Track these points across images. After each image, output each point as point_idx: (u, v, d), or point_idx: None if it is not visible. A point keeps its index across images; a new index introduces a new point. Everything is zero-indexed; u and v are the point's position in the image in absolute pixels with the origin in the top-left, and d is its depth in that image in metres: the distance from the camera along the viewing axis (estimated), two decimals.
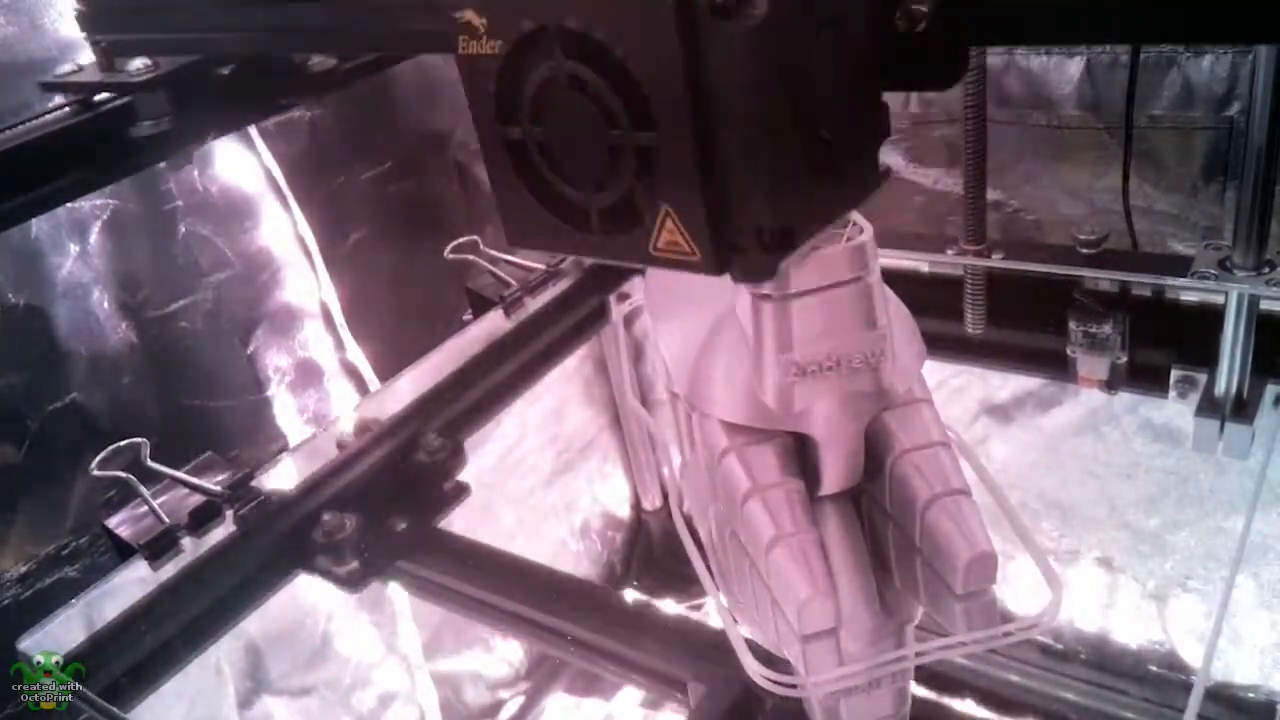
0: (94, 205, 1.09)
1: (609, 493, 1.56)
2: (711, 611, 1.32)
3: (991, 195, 1.20)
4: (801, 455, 0.47)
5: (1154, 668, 1.31)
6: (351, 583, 0.91)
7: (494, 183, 0.41)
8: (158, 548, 0.86)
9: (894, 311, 0.45)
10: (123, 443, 0.88)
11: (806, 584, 0.44)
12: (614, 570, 1.59)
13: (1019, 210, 1.42)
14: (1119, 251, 1.06)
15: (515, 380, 1.17)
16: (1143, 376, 1.07)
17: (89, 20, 0.77)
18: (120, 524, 0.88)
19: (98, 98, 0.79)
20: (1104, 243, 1.03)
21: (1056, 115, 1.33)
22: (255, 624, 1.04)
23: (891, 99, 0.40)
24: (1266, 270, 0.93)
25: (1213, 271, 0.95)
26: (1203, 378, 1.01)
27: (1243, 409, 0.98)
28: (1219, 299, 0.96)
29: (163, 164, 0.88)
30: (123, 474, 0.86)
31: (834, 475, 0.47)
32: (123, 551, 0.87)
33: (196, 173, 1.18)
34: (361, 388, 1.36)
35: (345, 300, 1.34)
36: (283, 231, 1.27)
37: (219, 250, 1.21)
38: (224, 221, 1.22)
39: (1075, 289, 1.06)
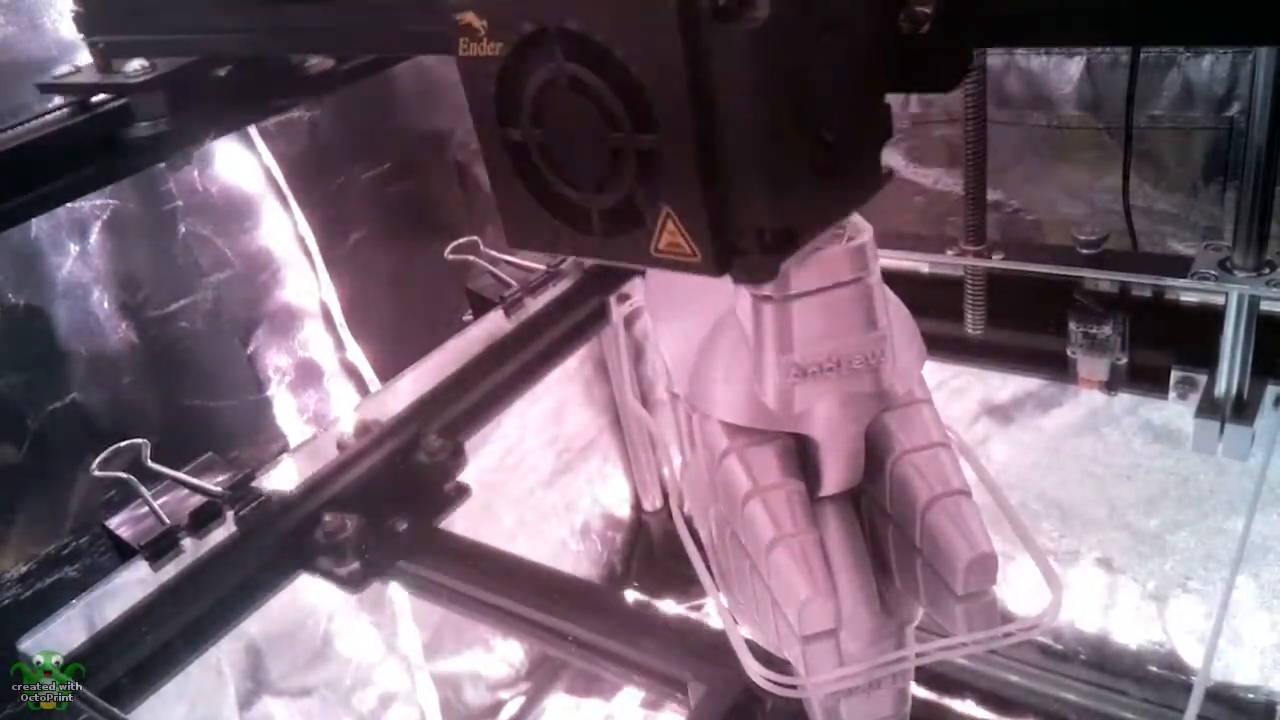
0: (94, 205, 1.09)
1: (609, 493, 1.56)
2: (712, 612, 1.32)
3: (991, 195, 1.20)
4: (802, 456, 0.47)
5: (1154, 668, 1.31)
6: (353, 583, 0.91)
7: (494, 184, 0.41)
8: (158, 548, 0.86)
9: (894, 312, 0.45)
10: (123, 443, 0.88)
11: (806, 585, 0.44)
12: (614, 571, 1.59)
13: (1019, 210, 1.42)
14: (1119, 252, 1.06)
15: (515, 381, 1.17)
16: (1143, 377, 1.07)
17: (86, 21, 0.77)
18: (121, 525, 0.88)
19: (95, 99, 0.79)
20: (1104, 243, 1.03)
21: (1056, 115, 1.33)
22: (256, 624, 1.04)
23: (891, 99, 0.40)
24: (1266, 271, 0.93)
25: (1213, 272, 0.95)
26: (1203, 379, 1.01)
27: (1243, 410, 0.98)
28: (1219, 300, 0.96)
29: (161, 165, 0.88)
30: (123, 474, 0.86)
31: (834, 476, 0.47)
32: (123, 552, 0.87)
33: (196, 173, 1.18)
34: (361, 388, 1.36)
35: (345, 300, 1.34)
36: (283, 231, 1.28)
37: (219, 250, 1.21)
38: (224, 221, 1.22)
39: (1075, 289, 1.06)
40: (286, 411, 1.29)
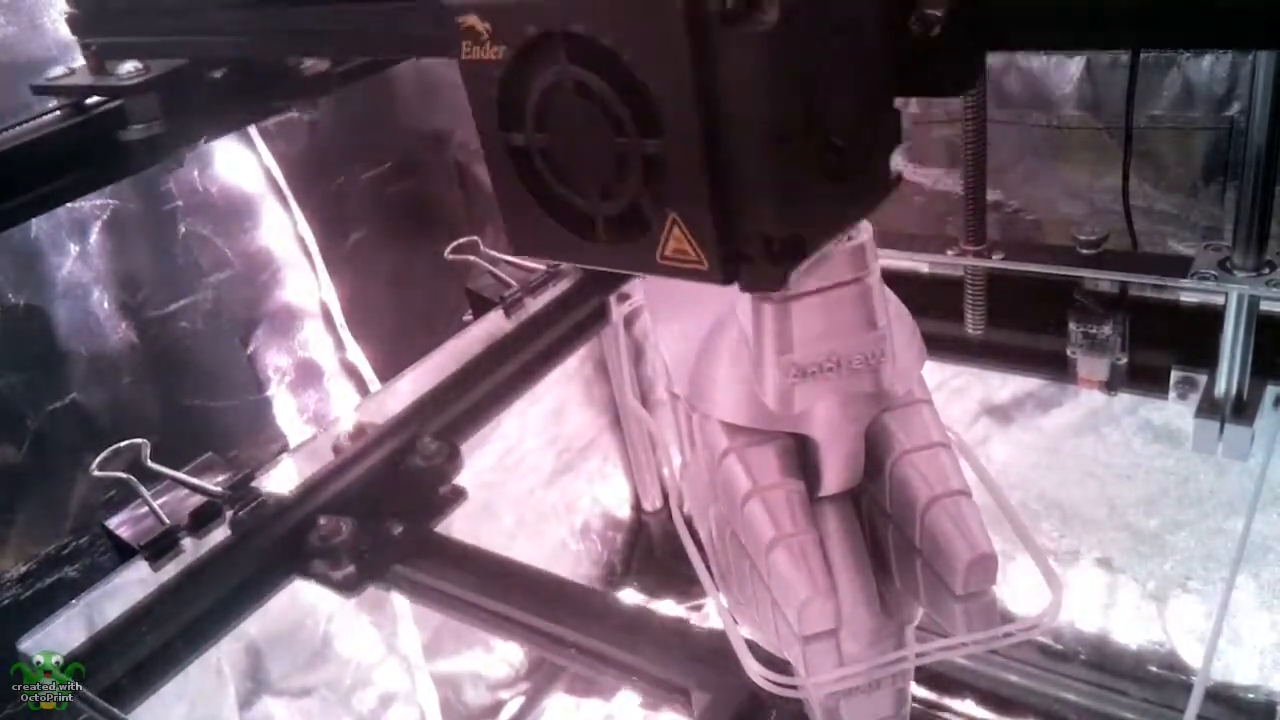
0: (94, 205, 1.09)
1: (609, 493, 1.56)
2: (712, 613, 1.33)
3: (991, 195, 1.20)
4: (802, 456, 0.47)
5: (1154, 668, 1.31)
6: (347, 587, 0.91)
7: (496, 190, 0.41)
8: (158, 548, 0.86)
9: (894, 312, 0.45)
10: (123, 443, 0.88)
11: (806, 585, 0.44)
12: (614, 571, 1.59)
13: (1019, 210, 1.42)
14: (1119, 252, 1.06)
15: (516, 381, 1.17)
16: (1143, 377, 1.07)
17: (79, 23, 0.77)
18: (120, 525, 0.88)
19: (89, 101, 0.78)
20: (1104, 243, 1.03)
21: (1056, 115, 1.33)
22: (256, 625, 1.04)
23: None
24: (1266, 271, 0.93)
25: (1213, 272, 0.95)
26: (1203, 379, 1.01)
27: (1242, 410, 0.98)
28: (1219, 300, 0.96)
29: (155, 167, 0.88)
30: (123, 474, 0.86)
31: (834, 476, 0.47)
32: (123, 552, 0.87)
33: (196, 173, 1.18)
34: (361, 388, 1.36)
35: (345, 300, 1.34)
36: (283, 231, 1.28)
37: (219, 250, 1.21)
38: (224, 221, 1.22)
39: (1075, 289, 1.06)
40: (286, 411, 1.29)
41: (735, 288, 0.44)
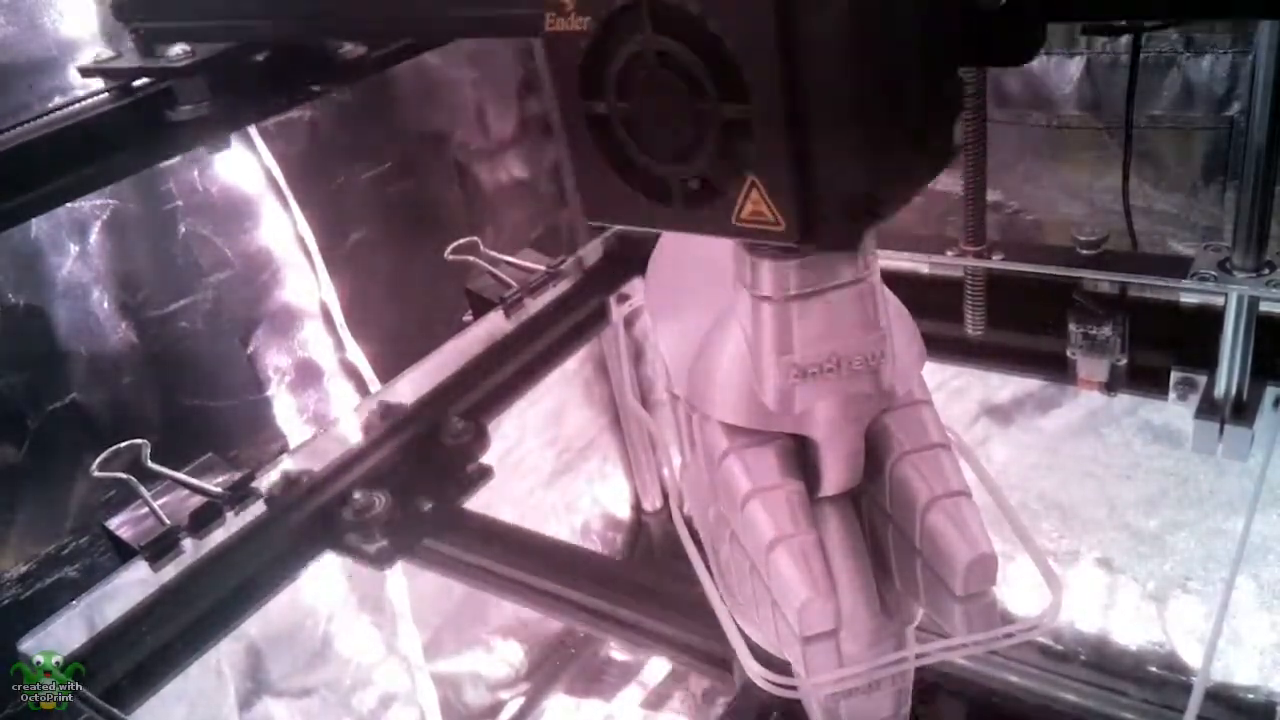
0: (94, 205, 1.09)
1: (609, 494, 1.56)
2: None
3: (991, 196, 1.20)
4: (802, 456, 0.47)
5: (1154, 668, 1.31)
6: (381, 560, 0.91)
7: (574, 158, 0.41)
8: (158, 549, 0.86)
9: (894, 313, 0.45)
10: (123, 444, 0.88)
11: (806, 585, 0.44)
12: None
13: (1019, 211, 1.42)
14: (1119, 253, 1.06)
15: (515, 381, 1.17)
16: (1142, 378, 1.07)
17: (124, 7, 0.79)
18: (121, 525, 0.88)
19: (136, 83, 0.80)
20: (1104, 244, 1.03)
21: (1056, 115, 1.33)
22: (256, 625, 1.04)
23: None
24: (1266, 272, 0.93)
25: (1212, 273, 0.95)
26: (1202, 379, 1.01)
27: (1242, 411, 0.98)
28: (1219, 300, 0.96)
29: (202, 148, 0.89)
30: (123, 475, 0.86)
31: (834, 477, 0.47)
32: (123, 553, 0.87)
33: (196, 173, 1.18)
34: (361, 388, 1.36)
35: (345, 300, 1.34)
36: (283, 231, 1.27)
37: (219, 250, 1.21)
38: (224, 221, 1.22)
39: (1075, 290, 1.06)
40: (286, 412, 1.29)
41: (736, 287, 0.44)
